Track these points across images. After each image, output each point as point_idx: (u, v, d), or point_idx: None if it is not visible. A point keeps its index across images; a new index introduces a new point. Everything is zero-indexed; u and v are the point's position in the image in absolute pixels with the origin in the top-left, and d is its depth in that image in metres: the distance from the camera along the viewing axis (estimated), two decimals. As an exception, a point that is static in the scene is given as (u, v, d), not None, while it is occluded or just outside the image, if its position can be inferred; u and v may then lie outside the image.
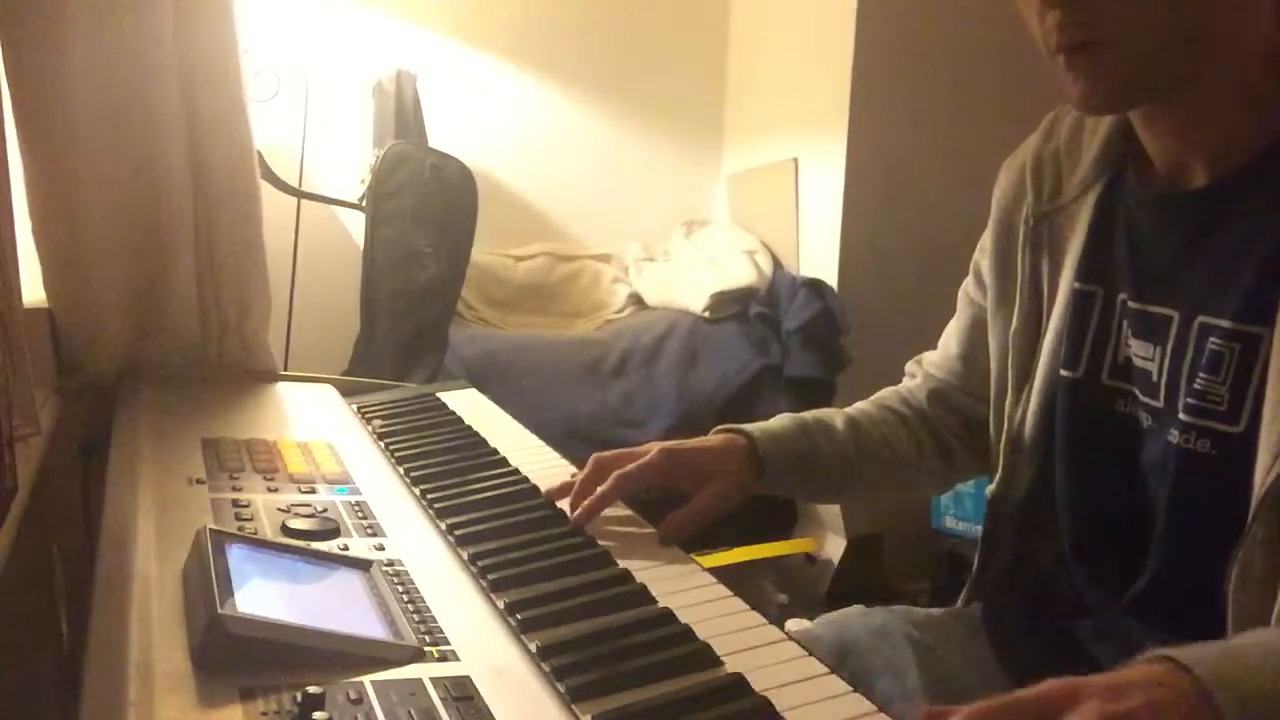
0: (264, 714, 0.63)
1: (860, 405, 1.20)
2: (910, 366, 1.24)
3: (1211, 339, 0.85)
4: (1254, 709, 0.63)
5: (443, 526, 0.96)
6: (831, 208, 2.59)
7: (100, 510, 0.95)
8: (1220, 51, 0.83)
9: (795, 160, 2.73)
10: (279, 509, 0.94)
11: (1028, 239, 1.03)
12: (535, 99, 2.90)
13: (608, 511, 1.00)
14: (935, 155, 2.55)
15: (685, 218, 3.01)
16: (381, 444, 1.19)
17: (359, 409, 1.33)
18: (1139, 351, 0.92)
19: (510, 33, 2.84)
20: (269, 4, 2.43)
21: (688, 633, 0.78)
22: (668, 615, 0.80)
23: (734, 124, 3.06)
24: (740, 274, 2.60)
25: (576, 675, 0.70)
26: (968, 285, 1.15)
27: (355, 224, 2.55)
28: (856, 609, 1.13)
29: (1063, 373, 0.99)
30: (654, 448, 1.04)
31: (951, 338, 1.18)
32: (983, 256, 1.10)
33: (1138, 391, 0.92)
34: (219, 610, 0.68)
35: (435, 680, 0.68)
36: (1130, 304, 0.93)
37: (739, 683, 0.71)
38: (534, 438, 1.27)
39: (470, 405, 1.38)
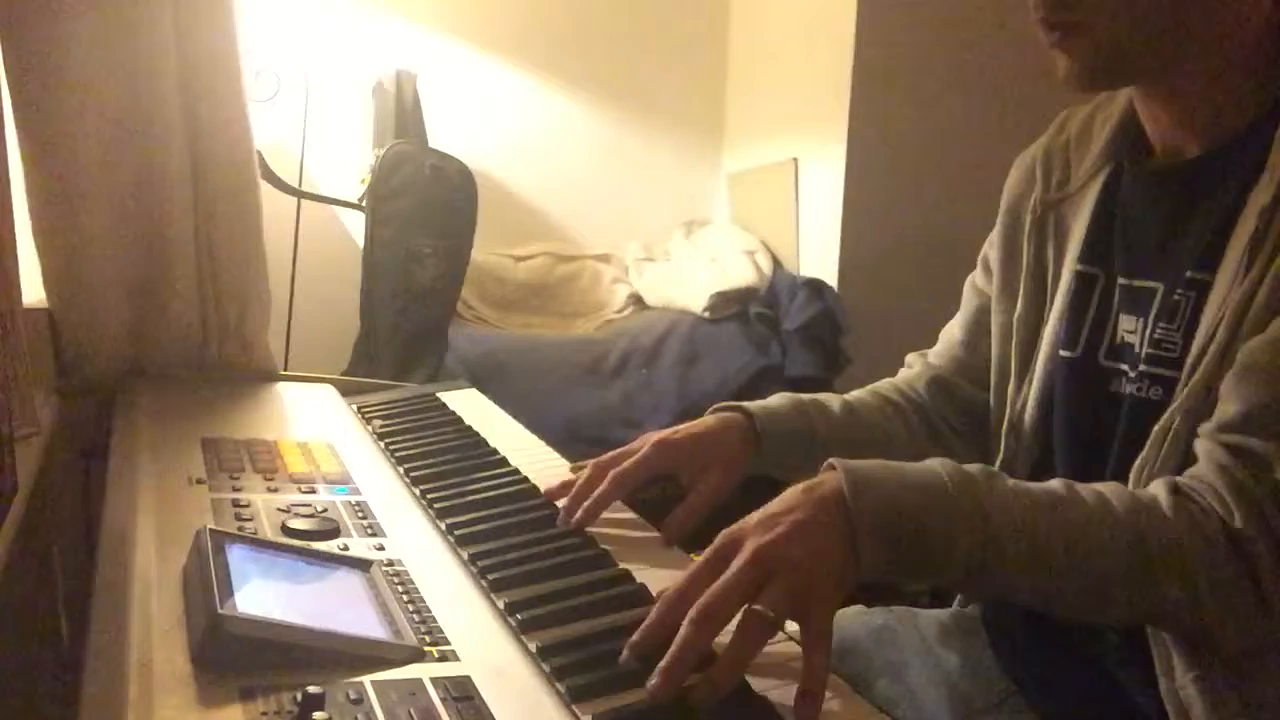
0: (264, 714, 0.62)
1: (856, 392, 1.20)
2: (910, 358, 1.24)
3: (1176, 290, 0.87)
4: (883, 512, 0.73)
5: (443, 526, 0.95)
6: (831, 208, 2.60)
7: (100, 510, 0.95)
8: (1203, 30, 0.84)
9: (795, 160, 2.73)
10: (279, 509, 0.93)
11: (1034, 226, 1.04)
12: (535, 99, 2.90)
13: (608, 513, 1.00)
14: (935, 155, 2.55)
15: (685, 218, 3.01)
16: (381, 444, 1.19)
17: (359, 409, 1.33)
18: (1125, 327, 0.93)
19: (510, 33, 2.84)
20: (269, 4, 2.43)
21: (688, 633, 0.78)
22: (668, 615, 0.80)
23: (734, 124, 3.06)
24: (740, 274, 2.60)
25: (576, 675, 0.70)
26: (974, 277, 1.16)
27: (355, 224, 2.55)
28: (856, 609, 1.13)
29: (1062, 353, 0.99)
30: (649, 440, 1.04)
31: (955, 326, 1.18)
32: (990, 249, 1.12)
33: (1126, 368, 0.93)
34: (219, 610, 0.68)
35: (435, 680, 0.68)
36: (1121, 281, 0.94)
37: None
38: (534, 438, 1.27)
39: (470, 405, 1.38)
